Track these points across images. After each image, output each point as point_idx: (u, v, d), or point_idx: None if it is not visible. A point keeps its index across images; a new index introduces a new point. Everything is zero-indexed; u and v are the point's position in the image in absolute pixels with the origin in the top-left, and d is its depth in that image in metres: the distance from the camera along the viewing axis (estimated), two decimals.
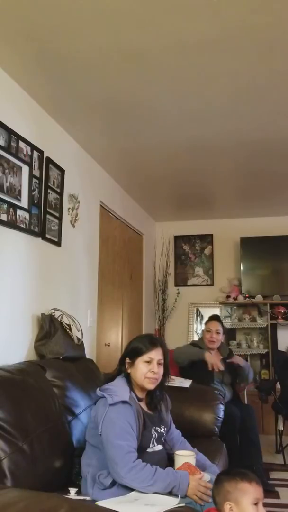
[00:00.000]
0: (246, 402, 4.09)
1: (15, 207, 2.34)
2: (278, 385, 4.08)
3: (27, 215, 2.46)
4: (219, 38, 2.03)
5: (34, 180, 2.54)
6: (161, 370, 1.93)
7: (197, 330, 5.39)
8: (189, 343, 3.70)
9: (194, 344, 3.57)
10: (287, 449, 3.78)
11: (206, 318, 3.90)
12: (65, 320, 2.65)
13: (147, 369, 1.89)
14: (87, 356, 2.91)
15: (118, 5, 1.83)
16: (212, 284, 5.50)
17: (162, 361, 1.94)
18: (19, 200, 2.40)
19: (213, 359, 3.31)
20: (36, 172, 2.57)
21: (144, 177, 4.01)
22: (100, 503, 1.53)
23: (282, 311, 5.04)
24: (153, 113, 2.78)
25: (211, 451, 2.32)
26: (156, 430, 1.93)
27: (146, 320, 5.05)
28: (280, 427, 3.96)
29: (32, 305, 2.53)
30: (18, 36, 2.03)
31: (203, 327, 3.77)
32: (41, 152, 2.63)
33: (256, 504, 1.37)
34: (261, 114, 2.77)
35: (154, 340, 1.97)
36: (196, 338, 4.84)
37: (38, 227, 2.58)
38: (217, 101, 2.62)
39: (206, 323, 3.59)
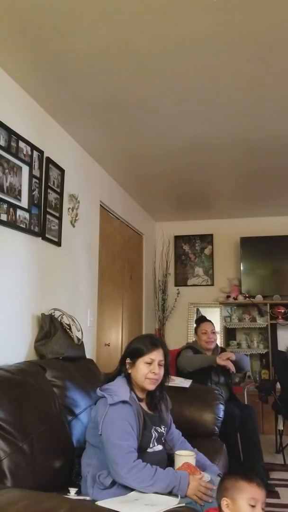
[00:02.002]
0: (246, 402, 4.08)
1: (15, 207, 2.34)
2: (278, 385, 4.08)
3: (27, 215, 2.46)
4: (218, 36, 2.03)
5: (34, 180, 2.54)
6: (161, 371, 1.93)
7: None
8: (185, 346, 3.64)
9: (191, 347, 3.53)
10: (287, 449, 3.79)
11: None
12: (65, 320, 2.65)
13: (148, 370, 1.89)
14: (87, 356, 2.91)
15: (117, 4, 1.83)
16: (212, 284, 5.51)
17: (163, 362, 1.94)
18: (19, 200, 2.40)
19: (227, 362, 3.26)
20: (36, 172, 2.57)
21: (144, 176, 4.01)
22: (100, 503, 1.53)
23: (282, 311, 5.04)
24: (153, 112, 2.78)
25: (211, 451, 2.31)
26: (156, 430, 1.93)
27: (146, 320, 5.05)
28: (280, 427, 3.96)
29: (32, 305, 2.53)
30: (18, 36, 2.03)
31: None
32: (41, 152, 2.63)
33: (254, 506, 1.35)
34: (262, 112, 2.77)
35: (155, 341, 1.97)
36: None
37: (38, 227, 2.58)
38: (218, 100, 2.62)
39: (198, 325, 3.54)
